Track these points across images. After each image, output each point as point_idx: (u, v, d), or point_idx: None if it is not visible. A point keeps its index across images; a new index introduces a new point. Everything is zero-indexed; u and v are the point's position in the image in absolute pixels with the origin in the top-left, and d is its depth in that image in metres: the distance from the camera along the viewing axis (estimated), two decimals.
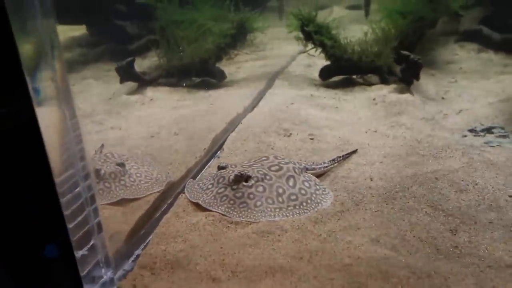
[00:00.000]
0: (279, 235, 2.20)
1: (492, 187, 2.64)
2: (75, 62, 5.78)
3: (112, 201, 2.43)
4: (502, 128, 3.36)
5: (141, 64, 5.27)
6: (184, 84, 4.55)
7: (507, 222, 2.27)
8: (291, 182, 2.45)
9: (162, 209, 2.46)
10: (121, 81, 4.39)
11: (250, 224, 2.26)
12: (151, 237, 2.29)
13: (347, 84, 4.48)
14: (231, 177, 2.40)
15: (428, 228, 2.27)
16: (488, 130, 3.38)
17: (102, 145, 3.25)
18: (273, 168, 2.51)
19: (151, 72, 4.66)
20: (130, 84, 4.52)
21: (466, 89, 4.29)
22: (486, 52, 5.47)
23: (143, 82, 4.48)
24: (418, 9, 4.92)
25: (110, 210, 2.47)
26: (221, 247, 2.05)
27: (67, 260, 1.87)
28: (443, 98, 4.07)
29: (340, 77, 4.59)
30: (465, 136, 3.30)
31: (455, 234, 2.21)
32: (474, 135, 3.32)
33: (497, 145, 3.14)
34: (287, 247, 2.10)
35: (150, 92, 4.48)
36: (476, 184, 2.65)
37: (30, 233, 1.81)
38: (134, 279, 1.93)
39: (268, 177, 2.42)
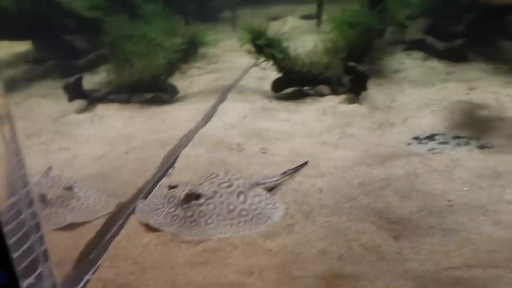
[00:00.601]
0: (229, 252, 2.25)
1: (433, 193, 2.79)
2: (21, 79, 5.67)
3: (60, 226, 2.39)
4: (444, 135, 3.56)
5: (91, 80, 5.22)
6: (133, 101, 4.55)
7: (446, 227, 2.41)
8: (241, 198, 2.52)
9: (113, 232, 2.42)
10: (70, 99, 4.33)
11: (201, 242, 2.30)
12: (101, 261, 2.28)
13: (298, 96, 4.57)
14: (181, 196, 2.44)
15: (373, 237, 2.37)
16: (431, 137, 3.55)
17: (50, 168, 3.18)
18: (223, 185, 2.59)
19: (101, 89, 4.62)
20: (79, 102, 4.46)
21: (412, 97, 4.47)
22: (431, 60, 5.69)
23: (92, 99, 4.43)
24: (365, 20, 5.08)
25: (58, 235, 2.43)
26: (172, 267, 2.09)
27: None
28: (389, 107, 4.21)
29: (292, 89, 4.67)
30: (410, 144, 3.46)
31: (398, 240, 2.32)
32: (418, 143, 3.48)
33: (438, 152, 3.30)
34: (237, 263, 2.16)
35: (100, 110, 4.43)
36: (419, 191, 2.80)
37: None
38: None
39: (218, 194, 2.47)
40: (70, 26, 5.68)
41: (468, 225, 2.46)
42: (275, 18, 9.92)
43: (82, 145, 3.66)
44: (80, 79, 4.32)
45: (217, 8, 9.49)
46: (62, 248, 2.32)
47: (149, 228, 2.44)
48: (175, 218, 2.38)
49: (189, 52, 4.75)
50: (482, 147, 3.36)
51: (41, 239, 1.96)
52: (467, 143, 3.45)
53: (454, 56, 5.62)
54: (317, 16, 8.15)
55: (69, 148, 3.57)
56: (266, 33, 4.54)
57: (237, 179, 2.70)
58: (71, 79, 4.30)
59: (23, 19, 5.32)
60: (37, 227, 1.93)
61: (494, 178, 2.95)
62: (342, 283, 2.02)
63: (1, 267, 1.80)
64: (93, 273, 2.20)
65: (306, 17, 9.48)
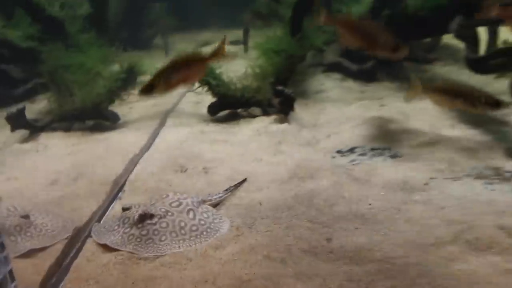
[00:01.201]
0: (185, 264, 2.34)
1: (356, 199, 2.99)
2: None
3: (20, 253, 2.36)
4: (362, 147, 3.79)
5: (31, 108, 5.04)
6: (75, 129, 4.50)
7: (368, 227, 2.64)
8: (191, 215, 2.63)
9: (72, 255, 2.41)
10: (12, 130, 4.22)
11: (158, 257, 2.37)
12: (62, 283, 2.27)
13: (233, 118, 4.68)
14: (136, 217, 2.49)
15: (309, 240, 2.54)
16: (351, 150, 3.77)
17: (0, 199, 3.03)
18: (173, 204, 2.67)
19: (43, 118, 4.52)
20: (22, 132, 4.35)
21: (333, 115, 4.68)
22: (347, 81, 5.98)
23: (35, 129, 4.33)
24: (288, 47, 5.25)
25: (19, 262, 2.37)
26: (133, 283, 2.17)
27: None
28: (315, 125, 4.43)
29: (227, 111, 4.78)
30: (334, 157, 3.68)
31: (330, 242, 2.50)
32: (341, 156, 3.70)
33: (358, 163, 3.54)
34: (193, 274, 2.25)
35: (43, 138, 4.34)
36: (344, 198, 2.98)
37: None
38: None
39: (170, 213, 2.56)
40: (6, 56, 5.48)
41: (385, 223, 2.68)
42: (205, 44, 9.93)
43: (29, 174, 3.57)
44: (23, 109, 4.22)
45: (149, 36, 9.35)
46: (25, 274, 2.26)
47: (107, 248, 2.46)
48: (131, 237, 2.42)
49: (128, 80, 4.73)
50: (393, 156, 3.61)
51: (6, 261, 1.98)
52: (381, 154, 3.69)
53: (366, 76, 5.94)
54: (244, 42, 8.34)
55: (17, 178, 3.49)
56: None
57: (185, 198, 2.78)
58: (14, 110, 4.18)
59: None
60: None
61: (404, 183, 3.17)
62: (286, 281, 2.17)
63: None
64: None
65: (234, 42, 9.63)
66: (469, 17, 4.49)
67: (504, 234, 2.44)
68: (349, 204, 2.95)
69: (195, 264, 2.33)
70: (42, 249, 2.49)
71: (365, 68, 6.03)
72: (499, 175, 3.24)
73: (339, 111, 4.84)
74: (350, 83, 5.98)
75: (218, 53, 3.21)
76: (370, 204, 2.95)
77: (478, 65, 4.20)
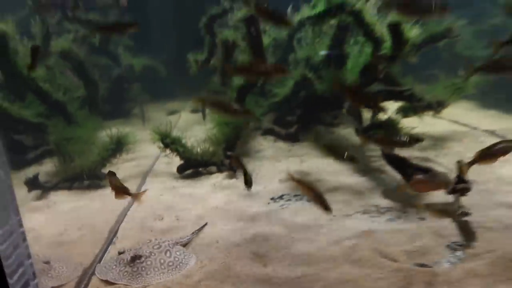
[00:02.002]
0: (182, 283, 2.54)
1: (282, 233, 3.18)
2: None
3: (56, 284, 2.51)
4: (288, 195, 4.00)
5: (39, 169, 4.98)
6: (75, 188, 4.49)
7: (292, 252, 2.86)
8: (168, 254, 2.77)
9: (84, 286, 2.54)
10: (29, 191, 4.18)
11: (145, 287, 2.51)
12: None
13: (196, 175, 4.80)
14: (128, 258, 2.63)
15: (251, 267, 2.71)
16: (281, 197, 3.96)
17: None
18: (155, 247, 2.81)
19: (51, 179, 4.51)
20: (36, 192, 4.32)
21: (268, 170, 4.87)
22: (278, 142, 6.20)
23: (46, 189, 4.32)
24: (235, 121, 5.42)
25: None
26: None
27: None
28: (255, 178, 4.40)
29: (191, 170, 4.90)
30: (269, 203, 3.86)
31: (266, 267, 2.70)
32: (274, 202, 3.88)
33: (286, 206, 3.74)
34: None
35: (52, 196, 4.30)
36: (274, 234, 3.15)
37: None
38: None
39: (153, 254, 2.72)
40: (20, 129, 5.49)
41: (303, 252, 2.88)
42: (172, 113, 9.77)
43: (44, 226, 3.55)
44: (37, 175, 4.21)
45: (128, 108, 9.18)
46: None
47: (108, 282, 2.58)
48: (125, 273, 2.58)
49: (116, 149, 4.78)
50: (309, 200, 3.70)
51: None
52: (301, 199, 3.87)
53: (292, 138, 6.17)
54: (202, 112, 8.27)
55: (34, 229, 3.42)
56: (170, 134, 4.79)
57: (164, 242, 2.91)
58: (31, 175, 4.17)
59: None
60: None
61: (315, 220, 3.38)
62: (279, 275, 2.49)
63: None
64: None
65: (194, 111, 9.44)
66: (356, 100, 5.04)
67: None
68: (279, 238, 3.12)
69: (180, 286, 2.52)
70: (60, 285, 2.56)
71: (290, 132, 6.25)
72: (378, 211, 3.54)
73: (273, 167, 4.99)
74: (281, 144, 6.14)
75: None
76: (293, 237, 3.12)
77: (359, 131, 4.64)
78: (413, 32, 4.20)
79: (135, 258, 2.66)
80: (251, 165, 5.14)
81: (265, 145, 6.20)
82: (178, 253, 2.85)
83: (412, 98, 4.99)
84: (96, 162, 4.56)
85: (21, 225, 1.91)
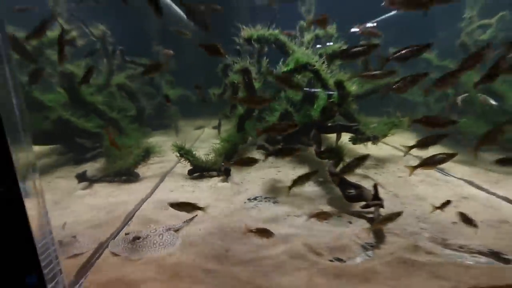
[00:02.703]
0: (155, 262, 2.48)
1: (245, 223, 3.00)
2: (51, 166, 5.43)
3: (69, 255, 2.57)
4: (261, 197, 3.98)
5: (93, 166, 5.12)
6: (115, 181, 4.49)
7: (250, 240, 2.79)
8: (160, 237, 2.79)
9: (96, 256, 2.60)
10: (78, 182, 4.28)
11: (140, 259, 2.52)
12: (91, 269, 2.41)
13: (201, 177, 4.80)
14: (131, 238, 2.69)
15: (218, 250, 2.65)
16: (255, 199, 3.93)
17: (65, 223, 3.12)
18: (152, 231, 2.85)
19: (97, 174, 4.59)
20: (84, 183, 4.40)
21: (252, 176, 4.82)
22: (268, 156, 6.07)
23: (92, 181, 4.39)
24: (234, 139, 5.60)
25: (69, 261, 2.50)
26: (127, 270, 2.38)
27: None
28: (242, 182, 4.58)
29: (198, 173, 4.90)
30: (245, 202, 3.82)
31: (228, 251, 2.64)
32: (249, 202, 3.84)
33: (256, 206, 3.69)
34: (161, 266, 2.44)
35: (96, 187, 4.34)
36: (241, 227, 3.02)
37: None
38: None
39: (149, 236, 2.76)
40: (84, 136, 5.63)
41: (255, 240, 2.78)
42: (198, 128, 9.96)
43: (84, 209, 3.60)
44: (85, 171, 4.31)
45: (167, 123, 9.32)
46: (68, 265, 2.42)
47: (115, 254, 2.61)
48: (127, 249, 2.63)
49: (145, 155, 4.88)
50: (274, 202, 3.79)
51: (58, 263, 1.97)
52: (269, 200, 3.85)
53: (276, 154, 6.16)
54: (218, 129, 8.36)
55: (75, 211, 3.51)
56: (184, 147, 4.85)
57: (159, 227, 2.93)
58: (81, 172, 4.26)
59: (55, 134, 5.31)
60: (56, 255, 1.95)
61: (274, 217, 3.35)
62: (204, 265, 2.42)
63: (33, 271, 1.80)
64: (85, 278, 2.33)
65: (215, 127, 9.53)
66: (318, 130, 5.06)
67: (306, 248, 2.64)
68: (268, 223, 3.13)
69: (158, 261, 2.50)
70: (81, 253, 2.62)
71: (275, 148, 6.14)
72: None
73: (256, 174, 4.95)
74: (270, 158, 5.94)
75: None
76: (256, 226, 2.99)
77: (318, 154, 4.61)
78: (352, 87, 4.19)
79: (136, 238, 2.70)
80: (242, 173, 5.11)
81: (257, 157, 5.99)
82: (168, 236, 2.84)
83: (357, 132, 4.95)
84: (131, 164, 4.65)
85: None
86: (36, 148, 5.96)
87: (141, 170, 5.05)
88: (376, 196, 3.13)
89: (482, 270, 2.25)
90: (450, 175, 4.80)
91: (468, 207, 3.48)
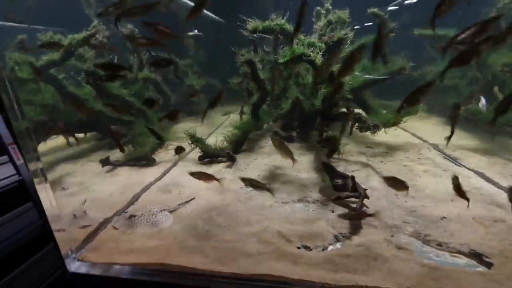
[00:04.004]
0: (148, 235, 2.74)
1: (238, 210, 3.14)
2: (89, 150, 5.98)
3: (80, 226, 2.92)
4: (260, 182, 3.81)
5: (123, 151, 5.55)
6: (135, 165, 4.66)
7: (234, 224, 2.88)
8: (154, 216, 3.03)
9: (101, 229, 2.93)
10: (103, 166, 4.65)
11: (134, 233, 2.79)
12: (95, 238, 2.73)
13: (210, 163, 4.93)
14: (127, 216, 2.99)
15: (201, 229, 2.78)
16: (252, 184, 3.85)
17: (85, 200, 3.46)
18: (147, 211, 3.10)
19: (120, 160, 4.92)
20: (108, 167, 4.77)
21: (257, 162, 4.77)
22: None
23: (115, 165, 4.76)
24: (246, 127, 5.63)
25: (79, 232, 2.79)
26: (123, 240, 2.67)
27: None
28: (245, 168, 4.58)
29: (208, 159, 5.05)
30: (242, 188, 3.84)
31: (208, 232, 2.78)
32: (246, 187, 3.83)
33: (249, 192, 3.67)
34: (153, 238, 2.65)
35: (118, 170, 4.68)
36: (230, 208, 3.15)
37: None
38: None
39: (144, 215, 3.04)
40: (117, 123, 5.97)
41: (241, 225, 2.84)
42: (226, 114, 10.05)
43: (104, 187, 3.95)
44: (108, 157, 4.71)
45: (195, 110, 9.55)
46: (79, 233, 2.78)
47: (115, 228, 2.90)
48: (125, 224, 2.93)
49: (160, 143, 5.20)
50: (269, 189, 3.71)
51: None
52: (263, 187, 3.75)
53: (288, 140, 6.07)
54: (240, 114, 8.24)
55: (96, 190, 3.86)
56: (195, 136, 5.03)
57: (154, 208, 3.14)
58: (104, 157, 4.66)
59: (92, 123, 5.86)
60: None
61: (262, 204, 3.28)
62: (188, 241, 2.54)
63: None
64: (89, 243, 2.64)
65: (240, 113, 9.57)
66: (322, 118, 4.86)
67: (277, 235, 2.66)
68: (232, 213, 3.10)
69: (151, 235, 2.74)
70: (89, 225, 2.93)
71: (288, 135, 6.18)
72: (307, 201, 3.40)
73: (261, 160, 4.91)
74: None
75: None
76: (238, 214, 3.03)
77: (318, 142, 4.44)
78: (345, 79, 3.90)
79: (132, 216, 2.96)
80: (249, 158, 5.13)
81: (269, 143, 6.09)
82: (161, 216, 3.04)
83: (359, 120, 4.65)
84: (148, 150, 5.00)
85: None
86: (78, 135, 6.51)
87: (160, 155, 5.44)
88: (354, 188, 3.00)
89: (447, 273, 2.08)
90: (462, 165, 4.32)
91: (465, 202, 3.13)
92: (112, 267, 2.24)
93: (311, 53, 4.13)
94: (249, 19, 5.21)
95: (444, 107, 6.68)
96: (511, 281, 1.92)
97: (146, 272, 2.19)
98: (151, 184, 4.07)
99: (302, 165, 4.67)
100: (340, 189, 3.39)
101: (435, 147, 5.16)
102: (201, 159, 5.10)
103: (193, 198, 3.46)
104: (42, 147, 6.02)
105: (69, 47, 5.03)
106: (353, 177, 3.14)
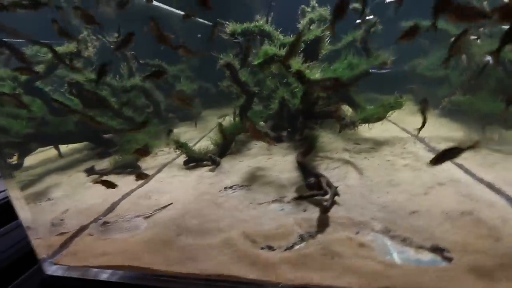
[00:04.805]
0: (124, 240, 2.80)
1: (211, 213, 3.20)
2: (79, 160, 6.13)
3: (56, 233, 3.08)
4: (237, 185, 4.02)
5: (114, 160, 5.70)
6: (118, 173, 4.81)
7: (204, 226, 3.02)
8: (128, 222, 3.16)
9: (78, 235, 3.04)
10: (87, 176, 4.78)
11: (108, 238, 2.91)
12: (71, 243, 2.87)
13: (194, 167, 4.99)
14: (102, 223, 3.16)
15: (172, 233, 2.83)
16: (231, 188, 3.97)
17: (67, 209, 3.55)
18: (121, 218, 3.25)
19: (107, 168, 5.05)
20: (93, 176, 4.84)
21: (241, 165, 4.77)
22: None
23: (100, 174, 4.86)
24: (233, 130, 5.71)
25: (56, 237, 2.96)
26: (97, 246, 2.80)
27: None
28: (228, 171, 4.59)
29: (193, 164, 5.13)
30: (220, 191, 3.92)
31: (179, 235, 2.97)
32: (225, 190, 3.92)
33: (228, 195, 3.74)
34: (124, 243, 2.76)
35: (103, 179, 4.70)
36: (203, 215, 3.19)
37: None
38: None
39: (117, 222, 3.18)
40: (107, 131, 6.22)
41: (213, 230, 2.87)
42: (221, 116, 10.12)
43: (88, 196, 4.00)
44: (93, 166, 4.86)
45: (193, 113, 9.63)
46: (55, 240, 2.90)
47: (90, 235, 3.01)
48: (100, 231, 3.06)
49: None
50: (247, 190, 3.83)
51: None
52: (243, 188, 3.89)
53: (276, 140, 6.10)
54: (233, 117, 8.35)
55: (79, 200, 3.91)
56: (180, 141, 5.16)
57: (129, 214, 3.29)
58: (89, 167, 4.82)
59: (83, 133, 6.07)
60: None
61: (237, 204, 3.39)
62: (157, 248, 2.61)
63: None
64: (65, 249, 2.75)
65: (233, 115, 9.59)
66: (305, 117, 4.91)
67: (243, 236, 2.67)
68: (205, 216, 3.15)
69: (123, 240, 2.83)
70: (68, 232, 3.03)
71: (275, 135, 6.22)
72: (282, 201, 3.42)
73: (247, 162, 4.93)
74: (266, 145, 5.86)
75: None
76: (213, 215, 3.13)
77: (298, 141, 4.45)
78: (316, 75, 3.93)
79: (105, 223, 3.12)
80: (235, 160, 5.19)
81: (258, 145, 6.11)
82: (135, 222, 3.15)
83: (338, 118, 4.66)
84: (134, 157, 5.16)
85: None
86: (71, 146, 6.75)
87: (148, 161, 5.58)
88: (319, 187, 3.04)
89: (402, 270, 2.09)
90: None
91: (438, 195, 3.13)
92: (86, 270, 2.38)
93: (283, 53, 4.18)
94: (227, 22, 5.31)
95: (436, 99, 6.61)
96: (465, 276, 1.93)
97: (116, 274, 2.31)
98: (132, 191, 4.18)
99: (285, 165, 4.72)
100: (312, 188, 3.42)
101: (421, 140, 5.12)
102: (186, 163, 5.21)
103: (170, 204, 3.50)
104: (33, 159, 6.22)
105: (51, 63, 5.23)
106: (319, 176, 3.17)
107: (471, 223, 2.46)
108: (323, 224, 2.84)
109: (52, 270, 2.39)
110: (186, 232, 2.90)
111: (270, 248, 2.59)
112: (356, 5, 6.04)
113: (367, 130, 5.92)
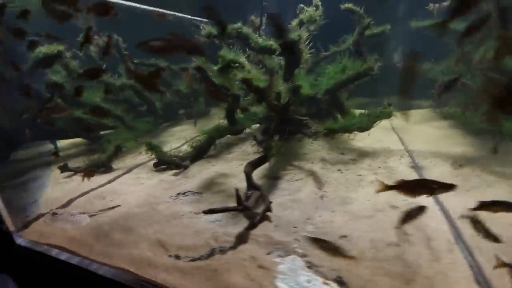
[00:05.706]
0: (65, 230, 3.51)
1: (167, 215, 3.45)
2: (77, 154, 6.85)
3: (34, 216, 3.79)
4: (191, 192, 4.16)
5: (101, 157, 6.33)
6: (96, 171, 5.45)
7: (163, 225, 3.49)
8: (72, 217, 3.60)
9: (36, 221, 3.81)
10: (61, 172, 5.31)
11: (56, 227, 3.46)
12: (30, 226, 3.61)
13: (163, 170, 5.21)
14: (51, 214, 3.78)
15: (115, 232, 3.36)
16: (184, 194, 4.12)
17: (37, 200, 4.25)
18: (67, 212, 3.77)
19: (81, 166, 5.53)
20: (68, 173, 5.37)
21: (209, 170, 4.89)
22: (255, 147, 6.01)
23: (75, 172, 5.39)
24: (213, 131, 5.94)
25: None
26: (44, 231, 3.37)
27: None
28: (193, 176, 4.79)
29: (163, 166, 5.34)
30: (171, 196, 4.09)
31: (131, 231, 3.32)
32: (176, 196, 4.08)
33: (175, 201, 3.92)
34: (65, 234, 3.38)
35: (76, 176, 5.24)
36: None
37: None
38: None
39: (64, 214, 3.76)
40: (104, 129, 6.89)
41: (168, 227, 3.25)
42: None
43: (55, 192, 4.50)
44: (66, 163, 5.40)
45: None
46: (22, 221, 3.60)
47: (45, 222, 3.65)
48: (51, 219, 3.64)
49: (117, 150, 5.87)
50: (200, 197, 3.99)
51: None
52: (195, 195, 4.08)
53: (260, 143, 6.10)
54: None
55: (50, 193, 4.51)
56: (152, 143, 5.52)
57: (76, 210, 3.71)
58: (62, 163, 5.40)
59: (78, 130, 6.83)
60: None
61: (178, 211, 3.54)
62: (88, 242, 3.13)
63: None
64: (25, 229, 3.52)
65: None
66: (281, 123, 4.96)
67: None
68: (141, 220, 3.41)
69: (66, 230, 3.31)
70: (26, 217, 3.73)
71: (266, 138, 6.14)
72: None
73: (217, 167, 5.09)
74: (252, 148, 6.06)
75: None
76: (148, 220, 3.39)
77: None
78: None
79: (54, 214, 3.70)
80: (207, 165, 5.39)
81: (242, 148, 6.23)
82: (79, 217, 3.60)
83: (305, 127, 4.70)
84: (105, 157, 5.67)
85: None
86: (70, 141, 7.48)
87: (125, 161, 6.10)
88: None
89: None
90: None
91: (381, 220, 3.07)
92: (39, 245, 3.25)
93: (241, 59, 4.36)
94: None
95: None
96: None
97: (59, 252, 3.08)
98: (92, 190, 4.67)
99: (255, 173, 4.79)
100: (247, 201, 3.57)
101: (410, 154, 4.91)
102: (156, 165, 5.60)
103: (118, 206, 3.83)
104: (23, 153, 7.09)
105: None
106: (257, 188, 3.30)
107: (392, 257, 2.45)
108: (241, 240, 2.96)
109: (19, 241, 3.29)
110: (115, 232, 3.23)
111: (177, 257, 2.80)
112: (349, 5, 6.01)
113: (361, 139, 5.84)
